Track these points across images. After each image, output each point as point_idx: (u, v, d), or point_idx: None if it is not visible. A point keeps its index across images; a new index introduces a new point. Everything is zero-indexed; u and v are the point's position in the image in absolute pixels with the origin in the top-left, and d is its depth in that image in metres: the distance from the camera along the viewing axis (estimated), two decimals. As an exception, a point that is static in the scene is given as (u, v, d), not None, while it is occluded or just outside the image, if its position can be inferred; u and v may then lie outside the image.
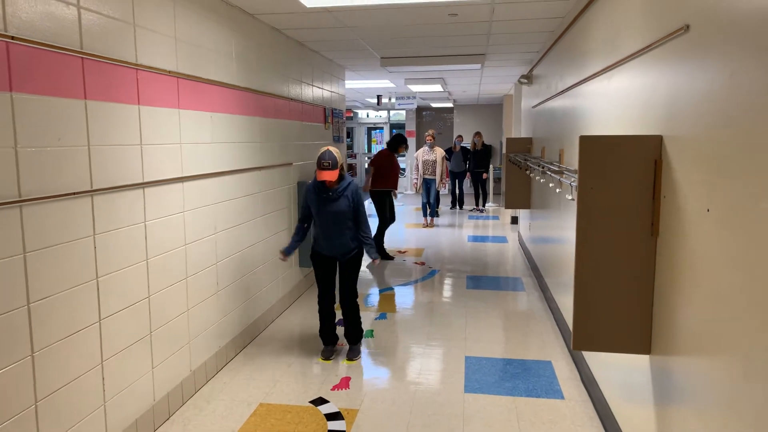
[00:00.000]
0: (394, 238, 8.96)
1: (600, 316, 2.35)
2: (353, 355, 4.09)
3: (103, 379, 2.65)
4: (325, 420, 3.18)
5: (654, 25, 2.35)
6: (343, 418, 3.19)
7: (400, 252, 7.82)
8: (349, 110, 17.01)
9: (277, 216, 4.98)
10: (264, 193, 4.65)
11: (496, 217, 11.20)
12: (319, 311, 4.14)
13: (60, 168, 2.35)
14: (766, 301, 1.42)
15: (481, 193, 12.15)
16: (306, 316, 5.04)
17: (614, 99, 3.01)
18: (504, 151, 9.03)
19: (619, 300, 2.33)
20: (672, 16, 2.14)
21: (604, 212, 2.29)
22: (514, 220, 9.89)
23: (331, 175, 3.72)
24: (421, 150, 9.95)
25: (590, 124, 3.56)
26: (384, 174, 7.39)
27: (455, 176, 12.09)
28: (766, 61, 1.44)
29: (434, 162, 9.72)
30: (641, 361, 2.45)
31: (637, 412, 2.55)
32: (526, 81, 7.21)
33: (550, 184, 4.24)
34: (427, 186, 9.85)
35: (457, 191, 12.18)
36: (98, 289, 2.60)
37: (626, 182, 2.28)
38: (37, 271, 2.24)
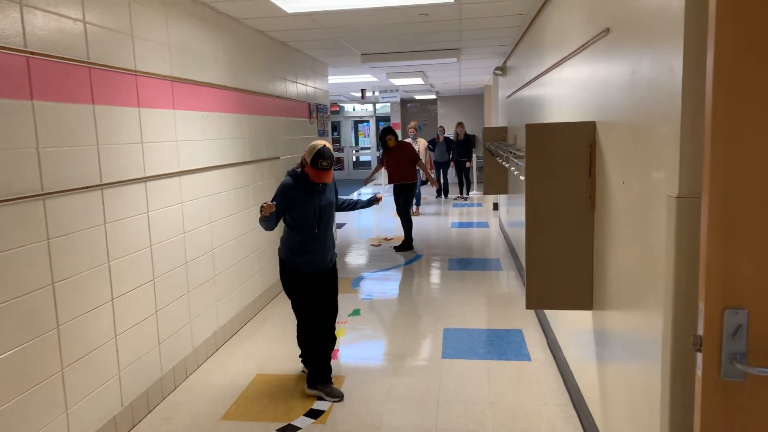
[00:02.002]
0: (381, 226, 9.33)
1: (548, 279, 2.72)
2: (336, 393, 3.40)
3: (117, 351, 2.99)
4: (316, 385, 3.55)
5: (587, 26, 2.71)
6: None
7: (387, 239, 8.18)
8: (334, 104, 17.32)
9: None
10: (254, 185, 4.98)
11: (479, 204, 11.59)
12: (303, 344, 3.58)
13: (74, 165, 2.68)
14: (654, 248, 1.79)
15: (464, 182, 12.53)
16: (297, 300, 5.39)
17: (564, 90, 3.38)
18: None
19: (564, 264, 2.70)
20: (598, 19, 2.50)
21: (549, 189, 2.66)
22: (496, 207, 10.29)
23: (328, 177, 3.28)
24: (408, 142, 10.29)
25: (548, 111, 3.93)
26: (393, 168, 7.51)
27: (439, 166, 12.46)
28: (654, 57, 1.81)
29: (417, 152, 10.05)
30: (588, 319, 2.83)
31: (587, 366, 2.93)
32: (500, 72, 7.57)
33: (513, 170, 4.60)
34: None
35: (442, 180, 12.56)
36: (110, 272, 2.94)
37: (567, 162, 2.64)
38: (59, 255, 2.58)
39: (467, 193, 12.63)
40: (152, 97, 3.37)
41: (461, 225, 9.26)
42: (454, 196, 12.73)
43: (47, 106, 2.52)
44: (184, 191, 3.73)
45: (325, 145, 3.26)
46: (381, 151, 7.85)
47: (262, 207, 3.14)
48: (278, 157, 5.64)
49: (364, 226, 9.56)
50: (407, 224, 7.46)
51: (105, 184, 2.90)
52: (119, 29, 3.06)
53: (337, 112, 17.99)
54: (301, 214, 3.30)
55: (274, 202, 3.18)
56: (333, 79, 9.28)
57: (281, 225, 3.42)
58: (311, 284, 3.40)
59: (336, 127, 18.16)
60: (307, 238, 3.34)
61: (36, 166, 2.45)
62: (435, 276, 6.16)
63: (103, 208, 2.89)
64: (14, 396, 2.31)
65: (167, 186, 3.52)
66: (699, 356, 1.47)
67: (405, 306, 5.16)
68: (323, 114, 7.67)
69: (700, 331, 1.45)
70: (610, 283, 2.38)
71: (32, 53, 2.43)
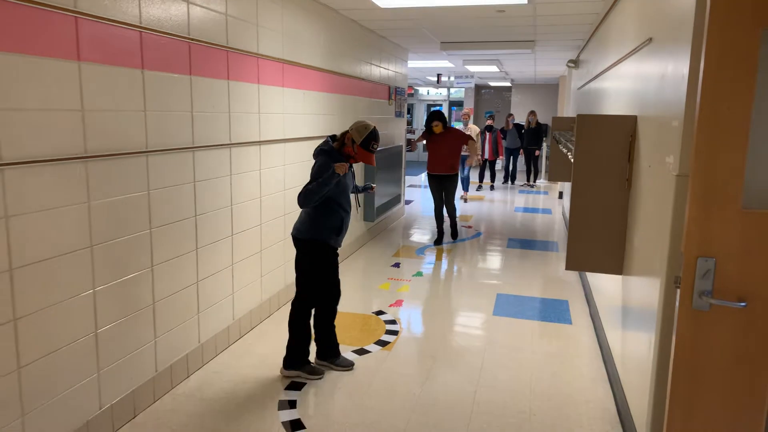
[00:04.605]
0: (447, 205, 9.90)
1: (587, 246, 3.24)
2: (345, 363, 3.52)
3: (233, 277, 3.79)
4: (384, 324, 4.24)
5: (638, 34, 3.17)
6: (397, 324, 4.24)
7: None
8: (410, 87, 17.89)
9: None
10: (339, 156, 5.70)
11: (546, 192, 11.89)
12: (305, 325, 3.42)
13: (214, 127, 3.46)
14: (663, 219, 2.30)
15: (532, 170, 12.83)
16: (371, 258, 6.10)
17: (618, 86, 3.82)
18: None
19: (601, 234, 3.22)
20: (644, 29, 2.97)
21: (593, 170, 3.17)
22: (561, 195, 10.59)
23: (374, 160, 3.34)
24: (457, 128, 10.68)
25: (606, 104, 4.37)
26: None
27: (510, 152, 12.82)
28: (675, 65, 2.30)
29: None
30: (618, 287, 3.33)
31: (614, 326, 3.44)
32: (573, 65, 7.89)
33: (568, 153, 5.05)
34: (461, 162, 10.55)
35: (510, 167, 12.91)
36: (232, 213, 3.72)
37: (610, 148, 3.14)
38: (201, 194, 3.36)
39: (534, 181, 12.92)
40: (268, 76, 4.11)
41: (525, 210, 9.68)
42: (521, 183, 13.06)
43: (200, 80, 3.29)
44: (287, 155, 4.48)
45: (375, 127, 3.27)
46: (423, 131, 7.04)
47: (335, 166, 3.14)
48: (360, 133, 6.33)
49: (429, 204, 10.16)
50: (441, 217, 6.88)
51: (233, 144, 3.67)
52: (248, 19, 3.80)
53: (412, 95, 18.54)
54: (342, 190, 3.29)
55: (347, 164, 3.22)
56: (411, 63, 9.85)
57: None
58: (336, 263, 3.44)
59: (410, 110, 18.73)
60: (345, 217, 3.33)
61: (190, 126, 3.23)
62: (494, 251, 6.70)
63: (230, 162, 3.67)
64: (169, 293, 3.12)
65: (275, 150, 4.28)
66: (677, 292, 2.00)
67: (463, 273, 5.76)
68: (401, 96, 8.29)
69: (680, 273, 1.98)
70: (636, 250, 2.88)
71: (192, 39, 3.19)
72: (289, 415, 2.98)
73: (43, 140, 2.28)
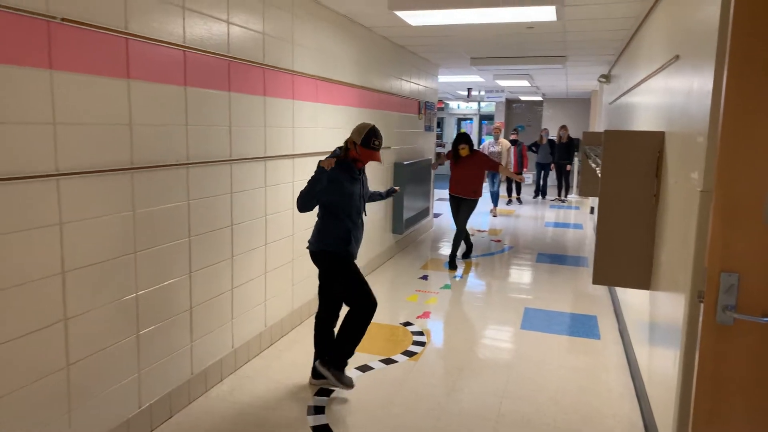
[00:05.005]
0: (474, 219, 9.91)
1: (614, 260, 3.26)
2: (344, 381, 3.28)
3: (266, 285, 3.92)
4: (411, 335, 4.30)
5: (666, 51, 3.21)
6: (424, 335, 4.30)
7: (479, 231, 8.78)
8: (440, 101, 18.01)
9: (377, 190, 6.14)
10: (369, 169, 5.80)
11: (577, 207, 11.80)
12: (319, 327, 3.47)
13: (249, 141, 3.61)
14: (688, 234, 2.32)
15: (564, 185, 12.74)
16: (399, 270, 6.18)
17: (649, 101, 3.84)
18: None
19: (628, 249, 3.23)
20: (672, 46, 3.00)
21: (620, 185, 3.20)
22: (593, 211, 10.49)
23: (379, 157, 3.25)
24: (487, 142, 10.73)
25: (635, 119, 4.38)
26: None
27: (541, 167, 12.78)
28: (700, 82, 2.34)
29: (499, 153, 10.41)
30: (646, 302, 3.33)
31: (642, 341, 3.43)
32: (604, 80, 7.88)
33: (596, 168, 5.05)
34: (492, 176, 10.55)
35: (541, 182, 12.85)
36: (266, 223, 3.86)
37: (638, 164, 3.16)
38: (236, 205, 3.51)
39: (565, 196, 12.82)
40: (302, 92, 4.27)
41: (556, 225, 9.62)
42: (552, 197, 12.98)
43: (238, 96, 3.45)
44: (318, 168, 4.62)
45: (374, 125, 3.22)
46: (446, 151, 6.89)
47: (320, 161, 3.09)
48: (389, 147, 6.45)
49: (459, 218, 10.19)
50: (459, 239, 6.59)
51: (267, 157, 3.82)
52: (284, 37, 3.97)
53: (442, 109, 18.65)
54: (345, 199, 3.20)
55: (335, 158, 3.14)
56: (441, 78, 9.96)
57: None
58: (357, 269, 3.32)
59: (439, 123, 18.83)
60: (353, 226, 3.24)
61: (227, 140, 3.39)
62: (523, 266, 6.70)
63: (264, 174, 3.81)
64: (205, 299, 3.26)
65: (307, 163, 4.42)
66: (701, 306, 2.02)
67: (491, 286, 5.78)
68: (431, 111, 8.40)
69: (704, 288, 2.01)
70: (662, 266, 2.89)
71: (231, 57, 3.36)
72: (317, 420, 3.07)
73: (95, 152, 2.45)
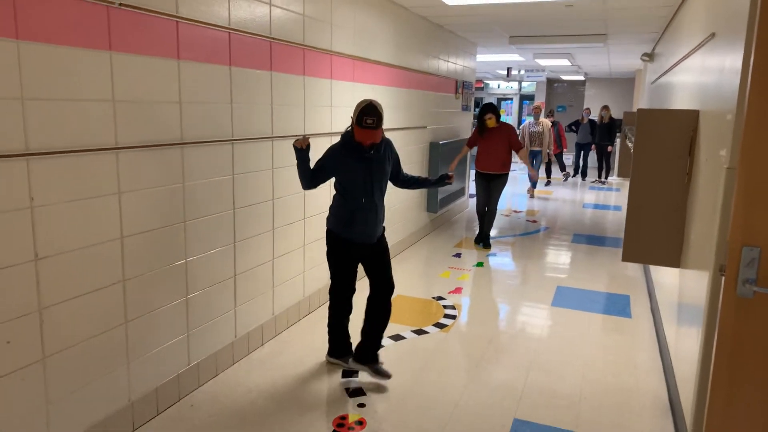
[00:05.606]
0: (512, 200, 9.90)
1: (644, 238, 3.30)
2: (381, 375, 3.27)
3: (304, 256, 4.11)
4: (443, 308, 4.44)
5: (704, 29, 3.18)
6: (455, 309, 4.43)
7: (516, 211, 8.79)
8: (479, 81, 17.82)
9: (414, 170, 6.24)
10: (406, 149, 5.92)
11: (617, 189, 11.61)
12: (334, 316, 3.39)
13: (290, 119, 3.78)
14: (715, 211, 2.36)
15: (604, 166, 12.52)
16: (433, 248, 6.30)
17: (687, 80, 3.81)
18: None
19: (659, 227, 3.26)
20: (709, 24, 2.99)
21: (653, 163, 3.22)
22: (632, 192, 10.32)
23: (375, 137, 2.97)
24: (527, 122, 10.61)
25: (674, 98, 4.34)
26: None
27: (581, 148, 12.58)
28: (732, 59, 2.35)
29: (540, 134, 10.30)
30: (676, 281, 3.36)
31: (671, 319, 3.47)
32: (647, 59, 7.70)
33: (630, 146, 5.03)
34: (533, 157, 10.45)
35: (581, 162, 12.66)
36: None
37: (671, 142, 3.18)
38: (277, 181, 3.69)
39: (606, 178, 12.61)
40: (340, 72, 4.39)
41: (595, 207, 9.53)
42: (593, 179, 12.79)
43: (279, 75, 3.61)
44: (354, 146, 4.76)
45: (371, 102, 2.97)
46: (474, 129, 6.57)
47: (294, 142, 3.03)
48: (425, 127, 6.53)
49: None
50: (492, 219, 6.44)
51: (307, 135, 3.97)
52: (323, 19, 4.09)
53: (482, 89, 18.45)
54: (349, 179, 3.09)
55: (308, 137, 3.09)
56: (480, 57, 9.90)
57: (326, 191, 3.57)
58: (357, 257, 3.23)
59: (479, 104, 18.64)
60: (357, 208, 3.10)
61: (269, 118, 3.56)
62: (558, 246, 6.72)
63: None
64: (248, 267, 3.47)
65: (344, 141, 4.56)
66: (722, 280, 2.08)
67: (524, 265, 5.85)
68: (468, 90, 8.40)
69: (725, 262, 2.06)
70: (692, 244, 2.92)
71: (273, 38, 3.51)
72: (350, 383, 3.26)
73: (150, 128, 2.65)
